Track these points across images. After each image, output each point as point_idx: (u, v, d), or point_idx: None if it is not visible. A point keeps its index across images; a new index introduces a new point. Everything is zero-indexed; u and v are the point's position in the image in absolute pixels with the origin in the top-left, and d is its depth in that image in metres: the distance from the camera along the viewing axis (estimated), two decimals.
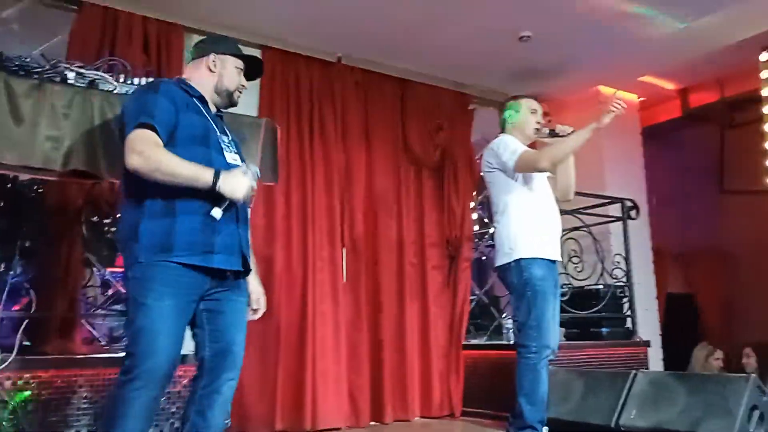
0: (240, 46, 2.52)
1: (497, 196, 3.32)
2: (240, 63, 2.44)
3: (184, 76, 2.42)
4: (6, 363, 2.65)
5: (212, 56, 2.38)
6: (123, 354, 2.12)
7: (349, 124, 4.68)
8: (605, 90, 5.69)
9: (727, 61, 5.27)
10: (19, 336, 2.75)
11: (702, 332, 7.01)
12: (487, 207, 4.73)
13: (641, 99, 6.01)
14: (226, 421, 2.32)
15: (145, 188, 2.12)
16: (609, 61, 5.10)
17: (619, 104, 2.99)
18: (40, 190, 3.33)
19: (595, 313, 4.66)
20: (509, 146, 3.21)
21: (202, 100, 2.34)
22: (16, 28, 3.69)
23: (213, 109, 2.40)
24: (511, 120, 3.39)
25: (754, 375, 3.18)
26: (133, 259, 2.11)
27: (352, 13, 4.25)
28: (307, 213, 4.34)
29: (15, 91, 2.58)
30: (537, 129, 3.35)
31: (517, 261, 3.14)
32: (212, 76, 2.38)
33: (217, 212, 2.12)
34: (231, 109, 3.21)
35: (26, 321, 2.90)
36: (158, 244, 2.09)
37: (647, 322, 5.27)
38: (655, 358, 5.24)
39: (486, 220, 5.63)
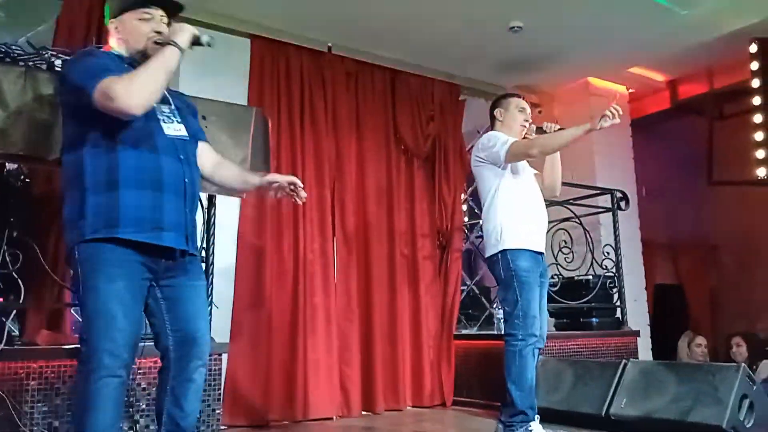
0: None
1: (485, 190, 3.37)
2: (141, 12, 2.16)
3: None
4: None
5: (112, 24, 2.18)
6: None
7: (340, 114, 4.65)
8: (594, 81, 5.72)
9: (717, 52, 5.29)
10: (7, 326, 2.72)
11: (690, 322, 7.08)
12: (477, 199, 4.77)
13: (630, 90, 6.03)
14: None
15: (83, 163, 2.03)
16: (598, 52, 5.11)
17: (616, 111, 3.00)
18: (27, 180, 3.29)
19: (585, 303, 4.68)
20: (500, 138, 3.27)
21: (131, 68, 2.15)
22: (2, 15, 3.63)
23: None
24: (500, 118, 3.45)
25: (744, 364, 3.20)
26: (79, 236, 2.00)
27: (343, 3, 4.22)
28: (297, 204, 4.30)
29: (1, 78, 2.54)
30: (524, 127, 3.39)
31: (503, 252, 3.19)
32: (120, 42, 2.17)
33: (207, 38, 2.12)
34: (221, 98, 3.24)
35: (14, 311, 2.87)
36: (103, 220, 1.99)
37: (636, 313, 5.31)
38: (644, 348, 5.28)
39: (477, 211, 5.63)
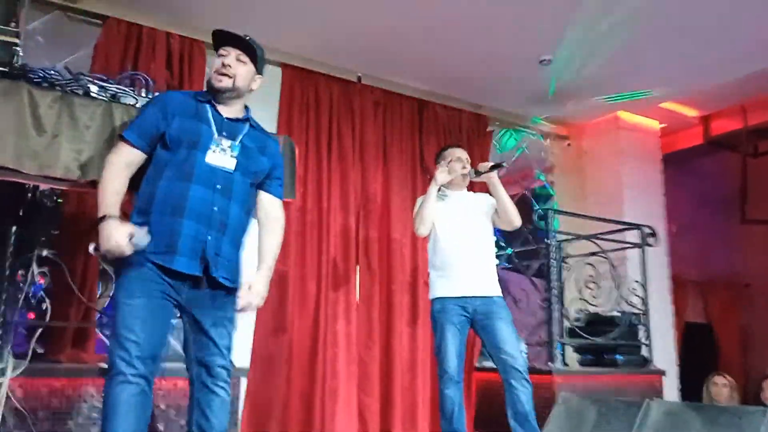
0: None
1: None
2: (219, 50, 2.40)
3: None
4: (19, 370, 2.67)
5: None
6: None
7: (367, 143, 4.70)
8: (624, 115, 5.68)
9: (751, 88, 5.22)
10: (32, 344, 2.77)
11: (719, 362, 6.90)
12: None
13: (662, 125, 5.96)
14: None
15: (138, 191, 2.28)
16: (629, 86, 5.08)
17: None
18: (59, 201, 3.37)
19: (610, 339, 4.60)
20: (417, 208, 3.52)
21: (212, 104, 2.36)
22: (42, 40, 3.75)
23: (227, 113, 2.36)
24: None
25: None
26: None
27: (373, 34, 4.29)
28: (322, 230, 4.34)
29: (38, 103, 2.61)
30: (464, 175, 3.49)
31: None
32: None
33: (91, 247, 2.21)
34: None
35: (41, 329, 2.92)
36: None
37: (664, 351, 5.18)
38: (671, 388, 5.15)
39: (502, 243, 5.59)
